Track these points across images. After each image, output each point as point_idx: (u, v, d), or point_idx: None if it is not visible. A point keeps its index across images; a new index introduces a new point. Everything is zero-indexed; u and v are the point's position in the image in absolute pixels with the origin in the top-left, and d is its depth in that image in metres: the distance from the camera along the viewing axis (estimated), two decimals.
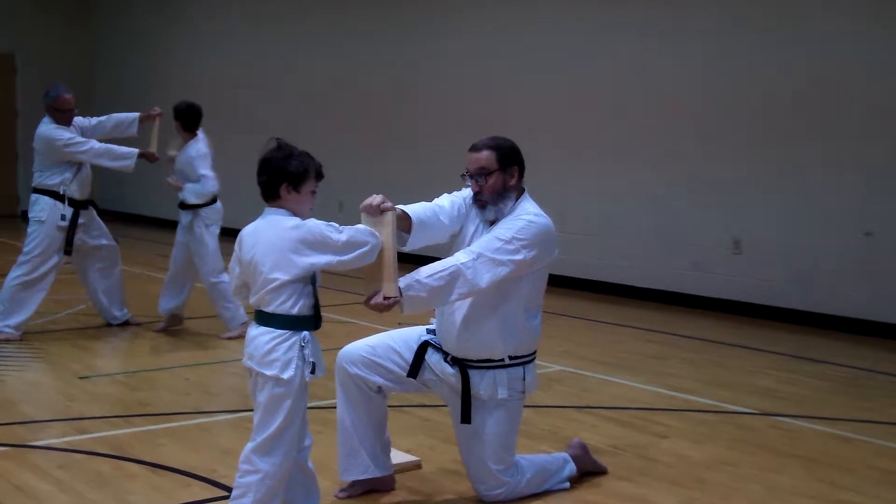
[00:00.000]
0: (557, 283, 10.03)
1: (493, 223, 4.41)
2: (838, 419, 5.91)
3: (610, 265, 10.23)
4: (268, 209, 3.89)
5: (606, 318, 9.09)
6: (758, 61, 8.96)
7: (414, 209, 4.33)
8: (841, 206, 8.51)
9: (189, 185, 7.90)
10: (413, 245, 4.33)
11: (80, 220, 7.98)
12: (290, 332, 3.77)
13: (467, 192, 4.51)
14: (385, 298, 3.99)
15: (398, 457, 4.84)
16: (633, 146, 9.94)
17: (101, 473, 4.81)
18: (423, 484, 4.72)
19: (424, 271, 4.13)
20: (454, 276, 4.13)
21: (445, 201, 4.49)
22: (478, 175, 4.41)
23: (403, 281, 4.05)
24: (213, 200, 8.01)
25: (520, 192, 4.48)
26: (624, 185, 10.03)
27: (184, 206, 8.01)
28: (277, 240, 3.78)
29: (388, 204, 4.06)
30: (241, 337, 8.07)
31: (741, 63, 9.08)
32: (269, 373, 3.76)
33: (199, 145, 7.94)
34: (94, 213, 8.21)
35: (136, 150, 7.96)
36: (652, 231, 9.81)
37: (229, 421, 5.67)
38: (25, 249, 7.87)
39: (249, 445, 3.84)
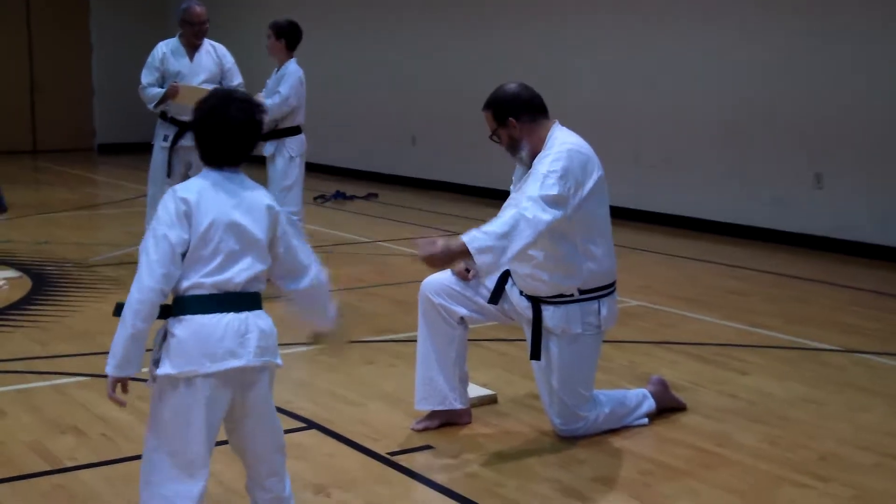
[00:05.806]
0: (634, 217, 9.87)
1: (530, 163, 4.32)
2: None
3: (688, 199, 10.03)
4: (230, 172, 3.21)
5: (685, 252, 8.93)
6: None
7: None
8: None
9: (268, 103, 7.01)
10: None
11: (184, 143, 7.51)
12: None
13: None
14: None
15: (474, 391, 4.80)
16: (712, 78, 9.69)
17: None
18: (500, 418, 4.68)
19: (484, 226, 4.03)
20: (515, 219, 4.00)
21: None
22: (491, 135, 4.41)
23: (466, 235, 3.96)
24: (298, 130, 7.37)
25: (536, 132, 4.29)
26: (702, 116, 9.80)
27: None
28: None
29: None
30: None
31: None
32: (279, 361, 3.35)
33: (298, 68, 7.29)
34: None
35: (161, 91, 7.46)
36: (731, 165, 9.59)
37: (303, 354, 5.66)
38: None
39: (282, 459, 3.45)
